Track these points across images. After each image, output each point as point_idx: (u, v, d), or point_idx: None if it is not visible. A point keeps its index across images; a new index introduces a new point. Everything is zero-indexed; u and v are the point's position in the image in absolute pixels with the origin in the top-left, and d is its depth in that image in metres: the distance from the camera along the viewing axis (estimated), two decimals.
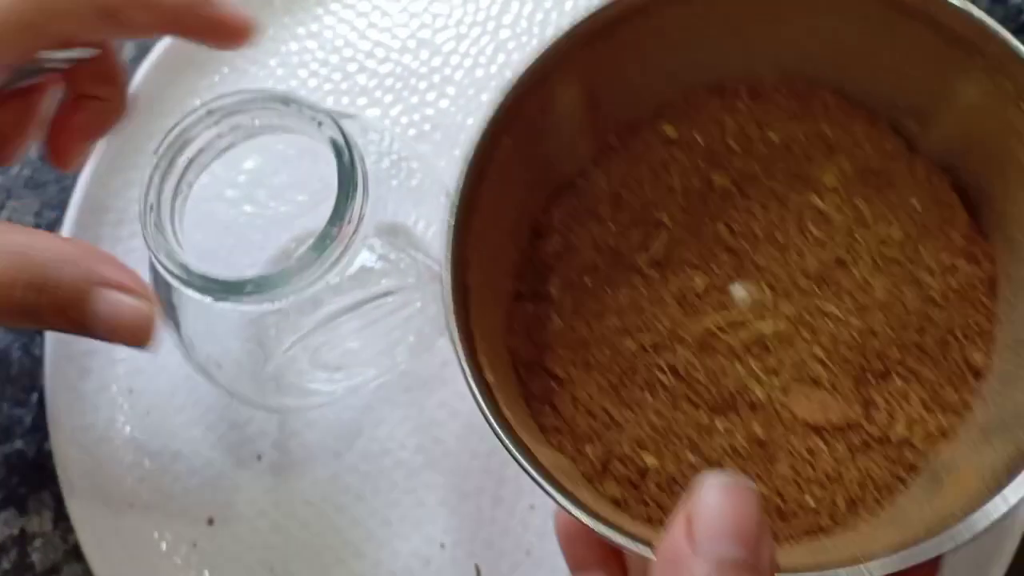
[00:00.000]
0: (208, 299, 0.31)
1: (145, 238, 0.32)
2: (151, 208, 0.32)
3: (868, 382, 0.31)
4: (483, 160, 0.31)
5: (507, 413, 0.28)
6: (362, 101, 0.46)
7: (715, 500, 0.23)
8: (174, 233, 0.32)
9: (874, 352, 0.31)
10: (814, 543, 0.29)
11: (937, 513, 0.27)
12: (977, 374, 0.31)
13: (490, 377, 0.29)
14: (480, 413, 0.27)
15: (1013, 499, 0.25)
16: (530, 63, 0.31)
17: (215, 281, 0.31)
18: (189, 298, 0.31)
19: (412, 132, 0.45)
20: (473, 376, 0.28)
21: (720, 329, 0.32)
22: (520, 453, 0.27)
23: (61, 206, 0.46)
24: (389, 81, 0.46)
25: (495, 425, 0.27)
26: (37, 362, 0.44)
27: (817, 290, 0.32)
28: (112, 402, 0.42)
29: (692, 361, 0.31)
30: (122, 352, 0.43)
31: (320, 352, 0.36)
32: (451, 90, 0.45)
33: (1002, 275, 0.32)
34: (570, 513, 0.26)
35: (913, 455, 0.30)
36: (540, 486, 0.26)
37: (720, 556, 0.22)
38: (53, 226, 0.46)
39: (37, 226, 0.47)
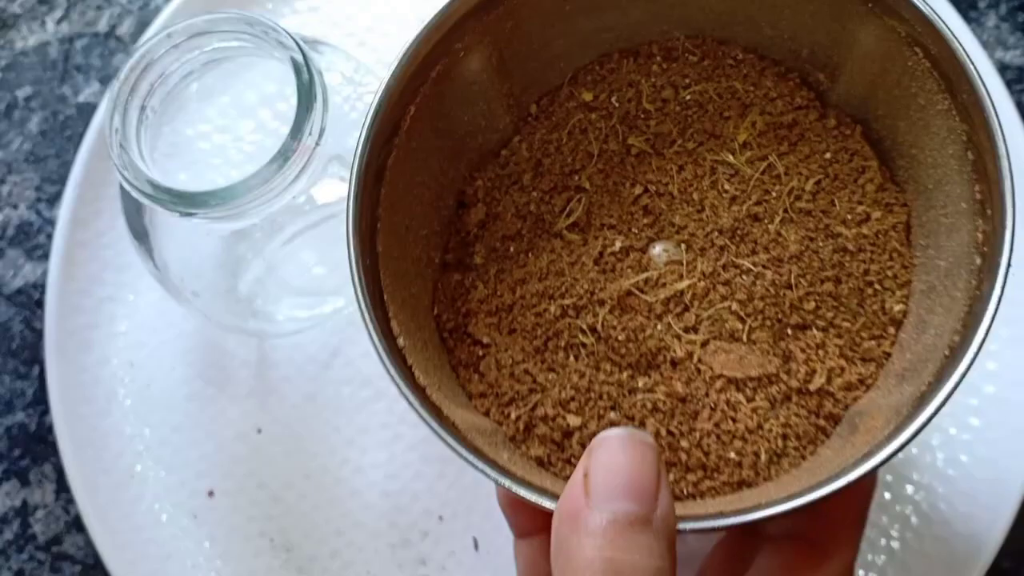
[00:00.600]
0: (176, 215, 0.31)
1: (112, 158, 0.32)
2: (116, 131, 0.33)
3: (787, 335, 0.31)
4: (386, 129, 0.31)
5: (421, 377, 0.29)
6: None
7: (611, 456, 0.23)
8: (140, 155, 0.32)
9: (790, 305, 0.31)
10: (735, 496, 0.29)
11: (846, 459, 0.27)
12: (896, 323, 0.31)
13: (402, 342, 0.29)
14: (389, 377, 0.28)
15: (895, 445, 0.26)
16: (427, 29, 0.31)
17: (180, 195, 0.31)
18: (161, 222, 0.32)
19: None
20: (381, 341, 0.28)
21: (639, 289, 0.32)
22: (428, 413, 0.27)
23: (61, 180, 0.46)
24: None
25: (401, 386, 0.27)
26: (38, 335, 0.44)
27: (731, 245, 0.32)
28: (113, 375, 0.42)
29: (611, 321, 0.32)
30: (123, 325, 0.43)
31: (288, 275, 0.37)
32: None
33: (915, 222, 0.32)
34: (476, 467, 0.26)
35: (833, 405, 0.30)
36: (448, 444, 0.27)
37: (615, 510, 0.22)
38: (53, 200, 0.46)
39: (37, 200, 0.47)
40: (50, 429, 0.42)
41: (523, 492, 0.26)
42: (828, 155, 0.33)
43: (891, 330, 0.31)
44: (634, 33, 0.35)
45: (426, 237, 0.33)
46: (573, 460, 0.30)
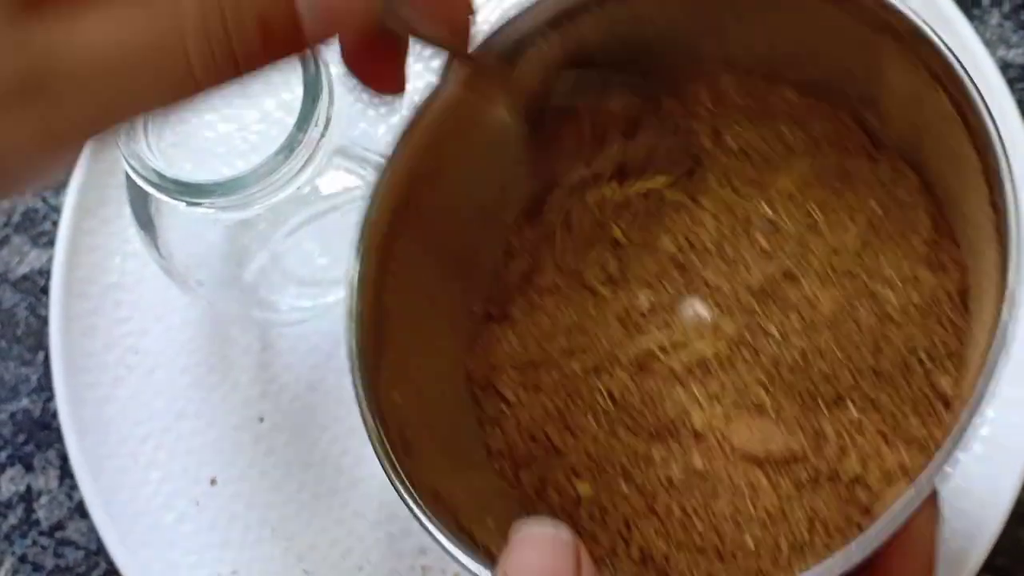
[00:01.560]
0: (182, 204, 0.31)
1: (118, 147, 0.32)
2: None
3: (818, 410, 0.28)
4: (399, 197, 0.29)
5: (411, 438, 0.27)
6: None
7: (524, 556, 0.22)
8: (147, 144, 0.33)
9: (823, 375, 0.28)
10: None
11: None
12: (946, 402, 0.27)
13: (398, 398, 0.28)
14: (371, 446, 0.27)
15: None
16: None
17: (186, 184, 0.31)
18: (167, 211, 0.32)
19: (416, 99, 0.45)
20: (366, 400, 0.27)
21: (661, 350, 0.30)
22: (396, 478, 0.26)
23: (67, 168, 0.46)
24: None
25: (382, 460, 0.26)
26: (43, 322, 0.44)
27: (758, 307, 0.29)
28: (117, 362, 0.42)
29: (628, 385, 0.30)
30: (127, 312, 0.43)
31: (292, 265, 0.37)
32: None
33: (973, 286, 0.28)
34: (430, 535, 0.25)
35: (868, 496, 0.27)
36: (412, 512, 0.26)
37: None
38: (59, 187, 0.47)
39: (43, 187, 0.47)
40: (54, 415, 0.42)
41: (464, 560, 0.25)
42: (875, 205, 0.30)
43: (940, 408, 0.27)
44: (677, 75, 0.32)
45: (463, 290, 0.32)
46: (581, 531, 0.28)
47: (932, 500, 0.24)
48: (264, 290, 0.38)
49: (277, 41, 0.22)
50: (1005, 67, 0.44)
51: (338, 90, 0.33)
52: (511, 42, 0.30)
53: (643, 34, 0.31)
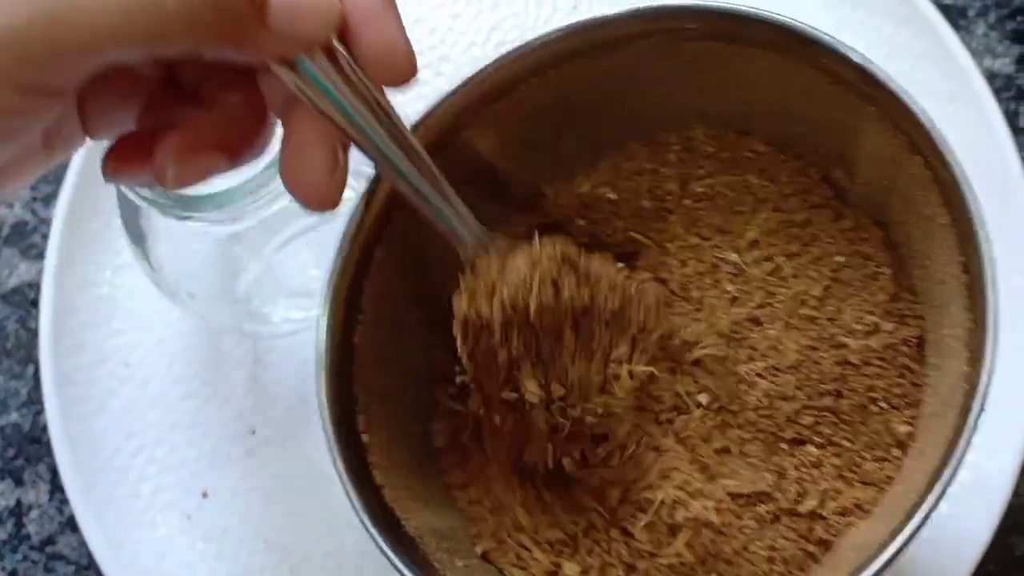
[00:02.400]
0: (172, 218, 0.31)
1: None
2: None
3: (781, 450, 0.29)
4: (378, 226, 0.30)
5: (379, 477, 0.29)
6: None
7: None
8: None
9: (786, 418, 0.29)
10: None
11: None
12: (902, 446, 0.29)
13: (367, 439, 0.29)
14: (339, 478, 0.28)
15: None
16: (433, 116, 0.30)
17: (177, 198, 0.31)
18: (158, 224, 0.32)
19: (408, 110, 0.45)
20: (337, 445, 0.28)
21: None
22: (370, 518, 0.27)
23: (57, 179, 0.46)
24: None
25: (351, 492, 0.27)
26: (33, 335, 0.44)
27: (726, 350, 0.30)
28: (108, 375, 0.42)
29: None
30: (118, 325, 0.43)
31: (284, 277, 0.37)
32: (447, 67, 0.45)
33: (930, 338, 0.29)
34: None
35: (825, 530, 0.28)
36: (381, 550, 0.27)
37: None
38: (49, 200, 0.46)
39: (32, 200, 0.47)
40: (44, 429, 0.42)
41: None
42: (841, 259, 0.31)
43: (896, 453, 0.29)
44: (652, 126, 0.33)
45: (424, 322, 0.32)
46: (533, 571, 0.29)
47: None
48: (256, 302, 0.38)
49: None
50: (991, 77, 0.44)
51: None
52: (448, 119, 0.31)
53: (622, 87, 0.32)
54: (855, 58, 0.28)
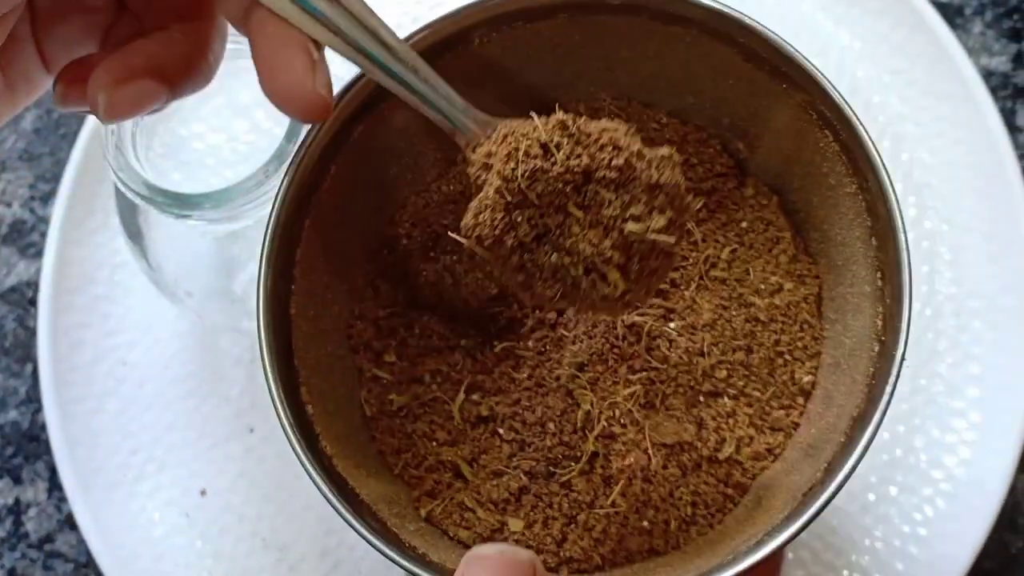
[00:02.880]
0: (171, 217, 0.31)
1: (107, 159, 0.32)
2: (111, 132, 0.33)
3: (699, 402, 0.31)
4: (305, 189, 0.30)
5: (328, 447, 0.29)
6: None
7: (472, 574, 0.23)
8: (136, 156, 0.33)
9: (703, 372, 0.31)
10: (645, 566, 0.30)
11: (748, 535, 0.27)
12: (805, 394, 0.31)
13: (311, 410, 0.29)
14: (294, 453, 0.28)
15: (788, 533, 0.26)
16: (348, 90, 0.30)
17: (176, 196, 0.31)
18: (155, 223, 0.32)
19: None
20: (286, 413, 0.28)
21: (551, 360, 0.32)
22: (329, 486, 0.27)
23: (55, 178, 0.46)
24: None
25: (306, 463, 0.28)
26: (32, 334, 0.44)
27: (649, 312, 0.32)
28: (107, 374, 0.42)
29: (523, 399, 0.32)
30: (116, 324, 0.43)
31: None
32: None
33: (826, 295, 0.32)
34: (370, 543, 0.27)
35: (742, 474, 0.30)
36: (344, 518, 0.27)
37: None
38: (47, 199, 0.47)
39: (31, 198, 0.47)
40: (43, 427, 0.42)
41: (416, 570, 0.27)
42: (744, 224, 0.33)
43: (800, 400, 0.31)
44: (561, 93, 0.34)
45: (348, 292, 0.33)
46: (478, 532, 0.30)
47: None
48: (254, 301, 0.38)
49: None
50: (988, 75, 0.44)
51: None
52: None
53: (539, 55, 0.33)
54: (770, 36, 0.30)
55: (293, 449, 0.28)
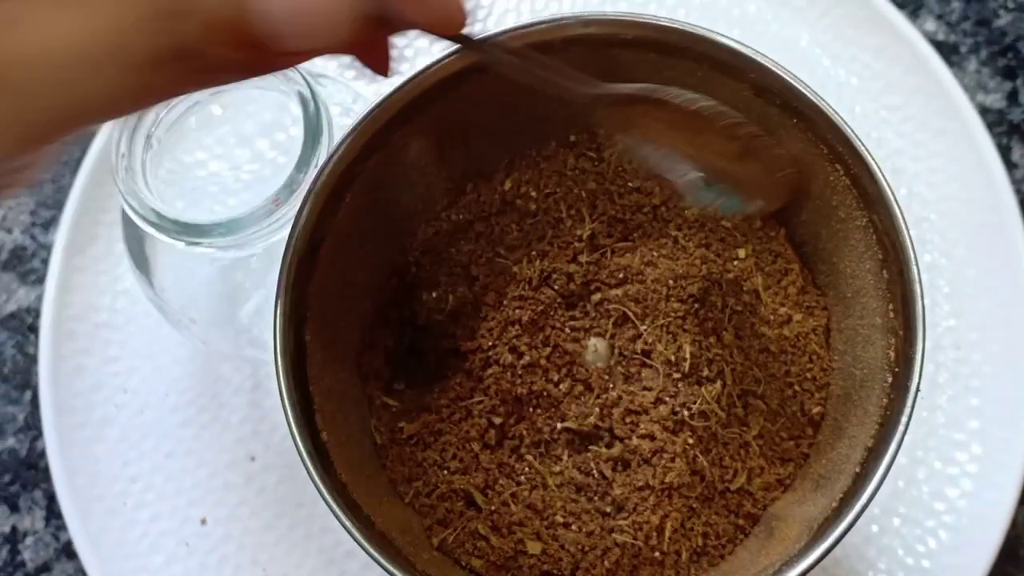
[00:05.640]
0: (180, 244, 0.32)
1: (117, 184, 0.32)
2: (122, 155, 0.33)
3: (716, 438, 0.31)
4: (321, 219, 0.31)
5: (343, 474, 0.29)
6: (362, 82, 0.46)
7: None
8: (146, 183, 0.33)
9: (718, 404, 0.31)
10: None
11: (760, 566, 0.28)
12: (815, 425, 0.32)
13: (326, 437, 0.30)
14: (310, 479, 0.28)
15: (806, 564, 0.27)
16: (365, 121, 0.31)
17: (185, 224, 0.32)
18: (162, 249, 0.32)
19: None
20: (304, 440, 0.28)
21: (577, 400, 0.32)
22: (344, 512, 0.27)
23: (57, 205, 0.46)
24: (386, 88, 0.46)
25: (322, 488, 0.28)
26: (31, 360, 0.44)
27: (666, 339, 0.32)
28: (106, 401, 0.42)
29: (544, 429, 0.32)
30: (117, 351, 0.43)
31: None
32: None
33: (835, 327, 0.33)
34: (381, 566, 0.27)
35: (752, 505, 0.31)
36: (358, 543, 0.27)
37: None
38: (48, 225, 0.47)
39: (32, 225, 0.47)
40: (41, 455, 0.42)
41: None
42: (753, 256, 0.34)
43: (809, 431, 0.32)
44: (570, 124, 0.35)
45: (359, 320, 0.33)
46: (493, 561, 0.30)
47: None
48: (258, 329, 0.38)
49: (230, 43, 0.21)
50: (984, 112, 0.45)
51: (337, 133, 0.34)
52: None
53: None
54: (782, 74, 0.30)
55: (310, 475, 0.28)
